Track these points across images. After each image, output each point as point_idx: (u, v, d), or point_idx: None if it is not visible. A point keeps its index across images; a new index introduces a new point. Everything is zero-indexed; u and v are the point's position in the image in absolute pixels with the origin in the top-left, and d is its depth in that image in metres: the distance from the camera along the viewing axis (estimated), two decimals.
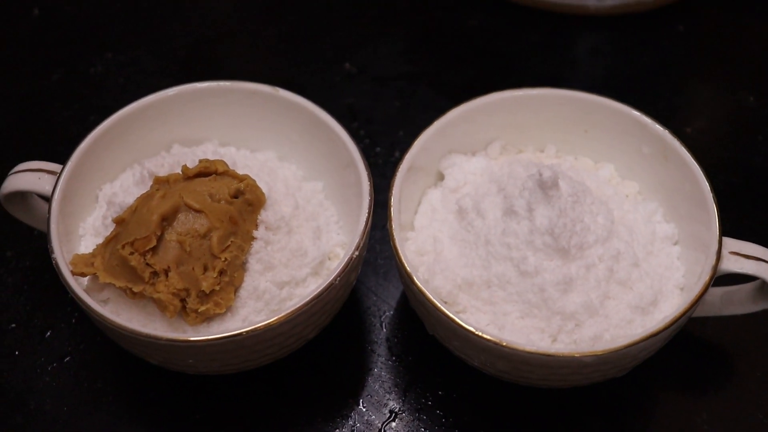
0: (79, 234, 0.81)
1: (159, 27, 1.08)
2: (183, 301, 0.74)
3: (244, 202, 0.76)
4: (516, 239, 0.74)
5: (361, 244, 0.75)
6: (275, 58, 1.06)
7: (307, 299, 0.72)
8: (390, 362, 0.82)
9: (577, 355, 0.70)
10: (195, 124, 0.86)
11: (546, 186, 0.74)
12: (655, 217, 0.82)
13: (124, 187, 0.82)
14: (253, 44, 1.07)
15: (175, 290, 0.73)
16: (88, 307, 0.72)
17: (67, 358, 0.83)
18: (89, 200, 0.83)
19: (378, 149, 0.97)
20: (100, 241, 0.78)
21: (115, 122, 0.82)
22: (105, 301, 0.76)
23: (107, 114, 0.83)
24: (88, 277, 0.76)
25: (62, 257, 0.75)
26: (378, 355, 0.83)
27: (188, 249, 0.73)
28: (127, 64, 1.05)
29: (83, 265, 0.75)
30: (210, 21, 1.09)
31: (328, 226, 0.82)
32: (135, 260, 0.73)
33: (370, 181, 0.78)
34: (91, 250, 0.79)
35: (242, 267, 0.76)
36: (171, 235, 0.74)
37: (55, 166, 0.80)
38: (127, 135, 0.83)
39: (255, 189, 0.77)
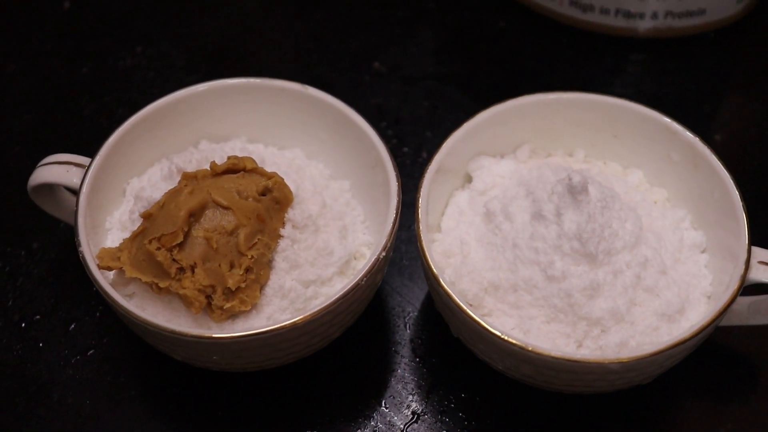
0: (106, 228, 0.81)
1: (188, 22, 1.09)
2: (209, 297, 0.74)
3: (272, 200, 0.76)
4: (544, 243, 0.74)
5: (388, 245, 0.75)
6: (304, 56, 1.06)
7: (333, 299, 0.72)
8: (413, 363, 0.82)
9: (603, 362, 0.69)
10: (223, 120, 0.86)
11: (575, 191, 0.74)
12: (683, 225, 0.81)
13: (152, 182, 0.82)
14: (281, 41, 1.07)
15: (201, 286, 0.73)
16: (114, 301, 0.72)
17: (91, 352, 0.83)
18: (116, 194, 0.83)
19: (405, 149, 0.97)
20: (127, 235, 0.79)
21: (143, 117, 0.83)
22: (130, 296, 0.76)
23: (136, 108, 0.83)
24: (113, 272, 0.77)
25: (89, 251, 0.75)
26: (401, 356, 0.83)
27: (215, 246, 0.73)
28: (156, 59, 1.05)
29: (110, 259, 0.75)
30: (239, 17, 1.09)
31: (354, 225, 0.82)
32: (162, 255, 0.73)
33: (398, 181, 0.78)
34: (117, 245, 0.79)
35: (268, 265, 0.76)
36: (198, 232, 0.74)
37: (83, 159, 0.80)
38: (155, 130, 0.84)
39: (283, 187, 0.77)
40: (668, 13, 1.01)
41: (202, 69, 1.04)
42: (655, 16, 1.02)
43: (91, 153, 0.80)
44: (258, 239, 0.75)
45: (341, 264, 0.78)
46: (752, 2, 1.05)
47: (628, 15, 1.02)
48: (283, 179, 0.78)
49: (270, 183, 0.77)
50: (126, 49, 1.05)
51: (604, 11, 1.02)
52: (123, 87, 1.02)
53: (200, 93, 0.84)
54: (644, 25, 1.03)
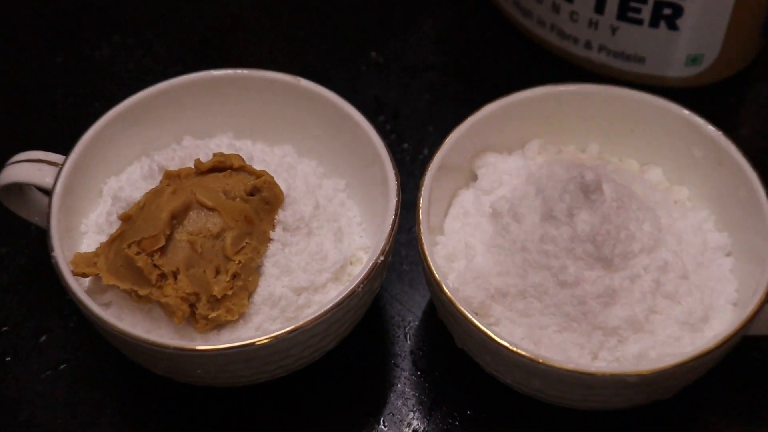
0: (81, 231, 0.81)
1: (171, 9, 1.09)
2: (192, 306, 0.74)
3: (261, 201, 0.76)
4: (555, 246, 0.74)
5: (387, 249, 0.75)
6: (296, 46, 1.06)
7: (327, 308, 0.72)
8: (414, 377, 0.82)
9: (620, 375, 0.69)
10: (209, 115, 0.86)
11: (588, 189, 0.74)
12: (706, 226, 0.81)
13: (131, 182, 0.82)
14: (272, 29, 1.07)
15: (184, 294, 0.73)
16: (89, 310, 0.72)
17: (63, 366, 0.82)
18: (93, 195, 0.83)
19: (405, 146, 0.97)
20: (104, 239, 0.78)
21: (122, 111, 0.83)
22: (107, 305, 0.76)
23: (113, 102, 0.83)
24: (89, 279, 0.76)
25: (62, 256, 0.74)
26: (401, 369, 0.82)
27: (199, 250, 0.73)
28: (136, 48, 1.05)
29: (85, 265, 0.75)
30: (226, 3, 1.09)
31: (350, 227, 0.82)
32: (142, 261, 0.72)
33: (397, 180, 0.78)
34: (93, 249, 0.79)
35: (257, 271, 0.76)
36: (181, 235, 0.73)
37: (57, 157, 0.80)
38: (135, 125, 0.83)
39: (273, 186, 0.77)
40: None
41: (185, 59, 1.04)
42: None
43: (66, 150, 0.80)
44: (246, 243, 0.75)
45: (336, 269, 0.78)
46: None
47: None
48: (273, 178, 0.77)
49: (259, 182, 0.76)
50: (103, 38, 1.05)
51: None
52: (100, 79, 1.02)
53: (184, 85, 0.84)
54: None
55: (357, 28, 1.07)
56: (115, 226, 0.78)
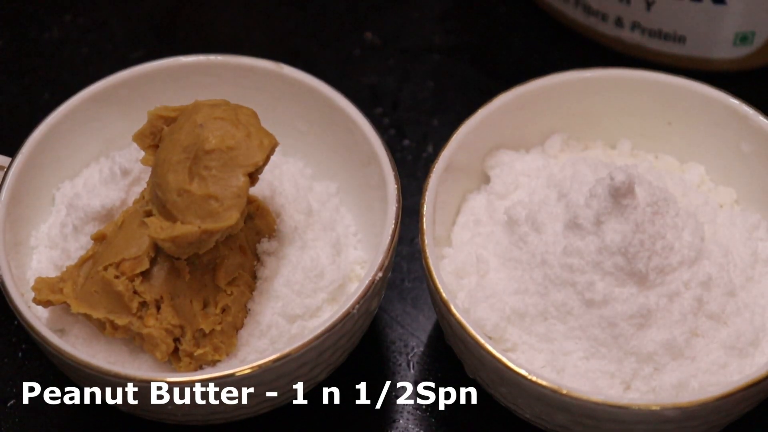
0: (31, 245, 0.82)
1: None
2: (176, 340, 0.74)
3: (252, 230, 0.77)
4: (580, 260, 0.75)
5: (386, 264, 0.75)
6: (278, 24, 1.06)
7: (317, 332, 0.72)
8: (419, 412, 0.83)
9: (657, 408, 0.70)
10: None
11: (619, 193, 0.74)
12: (757, 234, 0.82)
13: (89, 187, 0.82)
14: (249, 6, 1.07)
15: (168, 326, 0.73)
16: (43, 338, 0.72)
17: (11, 402, 0.83)
18: (44, 203, 0.83)
19: (406, 142, 0.97)
20: (57, 253, 0.80)
21: (77, 104, 0.83)
22: (61, 332, 0.77)
23: (67, 93, 0.84)
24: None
25: (10, 274, 0.75)
26: (404, 402, 0.83)
27: (187, 277, 0.74)
28: (91, 29, 1.05)
29: (49, 291, 0.75)
30: None
31: (345, 238, 0.83)
32: (122, 285, 0.73)
33: (397, 183, 0.79)
34: (45, 264, 0.80)
35: (245, 307, 0.77)
36: (166, 259, 0.74)
37: (1, 159, 0.81)
38: (92, 121, 0.84)
39: (266, 214, 0.78)
40: None
41: (149, 43, 1.04)
42: None
43: (11, 151, 0.81)
44: (239, 273, 0.76)
45: (333, 289, 0.79)
46: None
47: None
48: (265, 204, 0.78)
49: (251, 208, 0.77)
50: (52, 17, 1.06)
51: None
52: (49, 65, 1.03)
53: (147, 74, 0.85)
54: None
55: (348, 3, 1.07)
56: (70, 239, 0.79)
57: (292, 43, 1.04)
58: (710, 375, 0.74)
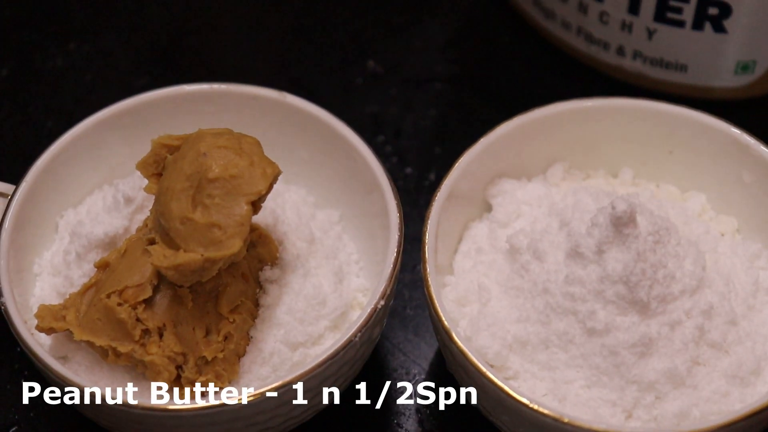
0: (34, 272, 0.82)
1: (135, 11, 1.09)
2: (179, 368, 0.74)
3: (254, 257, 0.77)
4: (582, 288, 0.75)
5: (388, 292, 0.76)
6: (281, 53, 1.06)
7: (318, 361, 0.72)
8: (419, 412, 0.83)
9: None
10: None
11: (620, 222, 0.74)
12: (758, 263, 0.82)
13: (92, 215, 0.82)
14: (252, 35, 1.08)
15: (171, 353, 0.74)
16: (46, 366, 0.72)
17: (13, 429, 0.83)
18: (47, 230, 0.84)
19: (409, 170, 0.97)
20: (60, 280, 0.80)
21: (81, 132, 0.84)
22: (64, 359, 0.77)
23: (71, 121, 0.84)
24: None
25: (13, 301, 0.75)
26: (406, 430, 0.83)
27: (189, 305, 0.74)
28: (95, 58, 1.05)
29: (52, 318, 0.75)
30: (198, 4, 1.10)
31: (347, 266, 0.83)
32: (125, 312, 0.73)
33: (399, 211, 0.79)
34: (48, 292, 0.80)
35: (247, 335, 0.77)
36: (169, 287, 0.74)
37: (5, 187, 0.81)
38: (96, 149, 0.84)
39: (269, 242, 0.78)
40: None
41: (152, 71, 1.05)
42: None
43: (15, 179, 0.81)
44: (241, 301, 0.76)
45: (336, 317, 0.79)
46: None
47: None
48: (268, 233, 0.79)
49: (254, 236, 0.77)
50: (56, 45, 1.06)
51: None
52: (53, 93, 1.03)
53: (152, 102, 0.85)
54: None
55: (351, 33, 1.07)
56: (73, 266, 0.79)
57: (295, 72, 1.04)
58: (712, 404, 0.74)
